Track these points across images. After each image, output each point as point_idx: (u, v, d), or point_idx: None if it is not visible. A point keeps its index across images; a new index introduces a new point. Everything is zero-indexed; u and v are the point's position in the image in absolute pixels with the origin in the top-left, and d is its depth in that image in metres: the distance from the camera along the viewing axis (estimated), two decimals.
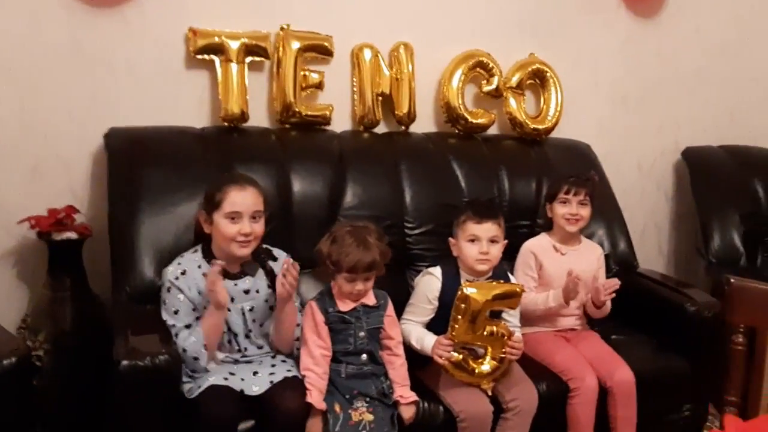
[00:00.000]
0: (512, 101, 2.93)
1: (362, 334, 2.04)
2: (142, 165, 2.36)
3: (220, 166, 2.38)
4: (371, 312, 2.07)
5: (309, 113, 2.65)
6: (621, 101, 3.29)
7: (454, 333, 2.05)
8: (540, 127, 2.95)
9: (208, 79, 2.59)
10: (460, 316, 2.03)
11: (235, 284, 2.05)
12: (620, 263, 2.82)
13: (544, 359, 2.34)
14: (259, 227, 2.04)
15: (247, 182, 2.07)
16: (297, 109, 2.61)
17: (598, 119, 3.24)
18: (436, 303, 2.21)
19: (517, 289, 2.08)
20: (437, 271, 2.26)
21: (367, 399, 1.99)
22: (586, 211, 2.46)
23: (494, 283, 2.12)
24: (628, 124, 3.31)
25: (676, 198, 3.50)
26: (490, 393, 2.12)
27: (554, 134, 3.01)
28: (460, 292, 2.04)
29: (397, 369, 2.09)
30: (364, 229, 2.07)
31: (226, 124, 2.56)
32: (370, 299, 2.08)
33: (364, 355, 2.04)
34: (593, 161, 3.02)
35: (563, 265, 2.45)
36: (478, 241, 2.20)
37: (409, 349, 2.16)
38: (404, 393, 2.05)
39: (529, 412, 2.14)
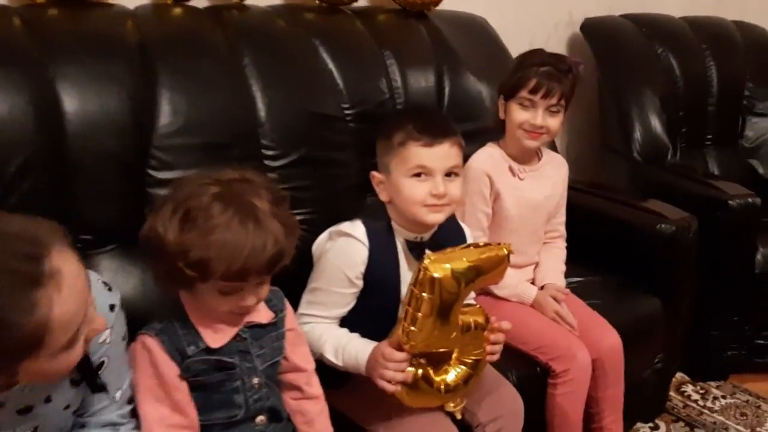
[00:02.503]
0: None
1: (256, 381, 1.09)
2: None
3: None
4: (266, 334, 1.12)
5: None
6: None
7: (412, 341, 1.17)
8: None
9: None
10: (420, 313, 1.14)
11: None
12: None
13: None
14: None
15: None
16: None
17: None
18: (361, 284, 1.32)
19: (504, 252, 1.20)
20: (358, 229, 1.33)
21: None
22: (555, 122, 1.62)
23: (469, 248, 1.20)
24: None
25: None
26: (459, 416, 1.30)
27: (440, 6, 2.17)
28: (421, 274, 1.13)
29: (316, 422, 1.18)
30: (245, 184, 1.06)
31: None
32: (262, 314, 1.12)
33: (262, 417, 1.10)
34: (497, 42, 2.23)
35: (524, 193, 1.65)
36: (429, 177, 1.31)
37: (320, 364, 1.27)
38: None
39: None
